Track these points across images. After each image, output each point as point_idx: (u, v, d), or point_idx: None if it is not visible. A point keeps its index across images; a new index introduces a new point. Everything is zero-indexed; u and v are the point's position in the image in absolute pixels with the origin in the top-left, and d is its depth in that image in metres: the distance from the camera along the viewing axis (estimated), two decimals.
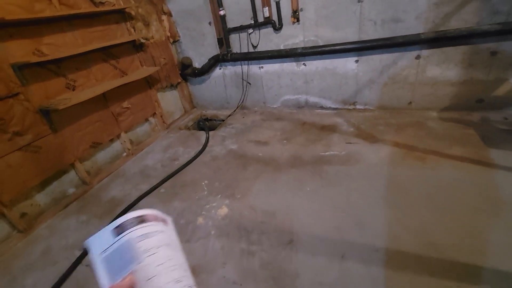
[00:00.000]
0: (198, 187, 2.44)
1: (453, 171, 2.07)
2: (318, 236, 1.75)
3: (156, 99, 3.51)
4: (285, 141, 2.96)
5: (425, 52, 2.72)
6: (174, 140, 3.45)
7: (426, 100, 2.94)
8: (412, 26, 2.63)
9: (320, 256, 1.61)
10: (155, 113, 3.51)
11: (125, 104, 3.04)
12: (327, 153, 2.60)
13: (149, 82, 3.36)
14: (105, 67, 2.80)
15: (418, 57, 2.77)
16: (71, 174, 2.63)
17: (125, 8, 2.90)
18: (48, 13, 2.25)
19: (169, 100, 3.85)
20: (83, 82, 2.59)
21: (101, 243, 0.40)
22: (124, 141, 3.11)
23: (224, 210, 2.12)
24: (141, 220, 0.43)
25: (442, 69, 2.74)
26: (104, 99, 2.79)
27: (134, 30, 3.11)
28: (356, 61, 3.03)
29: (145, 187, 2.57)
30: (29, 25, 2.15)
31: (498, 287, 1.29)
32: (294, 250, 1.68)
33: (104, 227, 0.43)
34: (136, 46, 3.15)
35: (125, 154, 3.17)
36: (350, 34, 2.90)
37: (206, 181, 2.51)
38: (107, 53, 2.80)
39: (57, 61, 2.35)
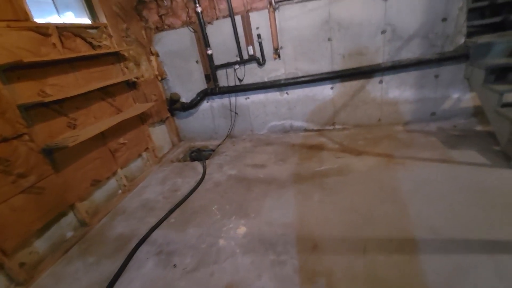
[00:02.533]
0: (209, 212, 2.50)
1: (429, 169, 2.50)
2: (337, 237, 1.94)
3: (149, 134, 3.57)
4: (280, 162, 3.21)
5: (386, 78, 3.32)
6: (169, 172, 3.47)
7: (392, 116, 3.51)
8: (373, 57, 3.24)
9: (345, 254, 1.79)
10: (147, 147, 3.54)
11: (121, 140, 3.06)
12: (321, 168, 2.90)
13: (141, 118, 3.43)
14: (103, 105, 2.86)
15: (381, 81, 3.36)
16: (70, 216, 2.49)
17: (120, 50, 3.07)
18: (53, 56, 2.33)
19: (159, 135, 3.92)
20: (83, 120, 2.60)
21: None
22: (120, 178, 3.05)
23: (242, 229, 2.21)
24: None
25: (401, 90, 3.34)
26: (102, 136, 2.80)
27: (128, 70, 3.26)
28: (332, 88, 3.53)
29: (153, 220, 2.54)
30: (35, 67, 2.19)
31: None
32: (320, 253, 1.84)
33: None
34: (129, 85, 3.27)
35: (120, 191, 3.09)
36: (324, 66, 3.42)
37: (216, 206, 2.58)
38: (105, 92, 2.87)
39: (60, 101, 2.37)
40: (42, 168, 2.18)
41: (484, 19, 3.05)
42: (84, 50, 2.69)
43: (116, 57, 3.10)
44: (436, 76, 3.17)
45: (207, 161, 3.54)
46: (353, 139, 3.42)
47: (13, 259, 1.98)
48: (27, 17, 2.17)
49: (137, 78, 3.41)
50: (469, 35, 2.98)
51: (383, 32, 3.09)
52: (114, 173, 3.00)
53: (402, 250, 1.73)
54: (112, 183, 3.00)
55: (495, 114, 2.55)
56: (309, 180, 2.70)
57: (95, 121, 2.73)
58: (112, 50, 2.97)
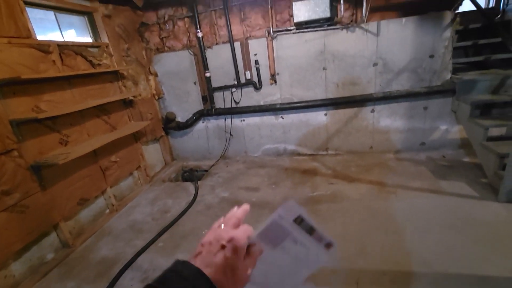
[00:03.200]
0: (200, 236, 2.42)
1: (420, 199, 2.53)
2: (329, 268, 1.90)
3: (141, 152, 3.53)
4: (273, 185, 3.19)
5: (377, 107, 3.44)
6: (160, 192, 3.39)
7: (383, 144, 3.59)
8: (365, 88, 3.37)
9: (337, 287, 1.75)
10: (139, 166, 3.48)
11: (113, 158, 3.01)
12: (315, 193, 2.90)
13: (135, 136, 3.41)
14: (98, 123, 2.84)
15: (372, 111, 3.47)
16: (52, 237, 2.38)
17: (119, 69, 3.11)
18: (51, 73, 2.34)
19: (152, 153, 3.88)
20: (76, 137, 2.57)
21: (290, 215, 0.51)
22: (109, 197, 2.97)
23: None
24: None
25: (391, 120, 3.46)
26: (94, 153, 2.75)
27: (125, 88, 3.28)
28: (325, 114, 3.63)
29: (140, 243, 2.44)
30: (32, 83, 2.19)
31: None
32: (312, 284, 1.79)
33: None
34: (126, 103, 3.28)
35: (108, 210, 2.99)
36: (318, 93, 3.53)
37: (206, 230, 2.51)
38: (100, 109, 2.87)
39: (54, 117, 2.34)
40: (29, 186, 2.11)
41: (468, 57, 3.27)
42: (84, 68, 2.71)
43: (115, 75, 3.13)
44: (425, 108, 3.31)
45: (199, 182, 3.49)
46: (346, 165, 3.46)
47: None
48: (29, 34, 2.20)
49: (134, 96, 3.43)
50: (455, 71, 3.17)
51: (375, 64, 3.25)
52: (103, 192, 2.92)
53: (395, 284, 1.70)
54: (100, 202, 2.91)
55: (481, 147, 2.65)
56: (302, 206, 2.68)
57: (88, 138, 2.70)
58: (111, 69, 3.01)
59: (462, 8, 3.14)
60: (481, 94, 2.94)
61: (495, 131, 2.79)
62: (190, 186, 3.43)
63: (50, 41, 2.39)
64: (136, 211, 3.01)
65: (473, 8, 2.91)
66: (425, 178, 2.89)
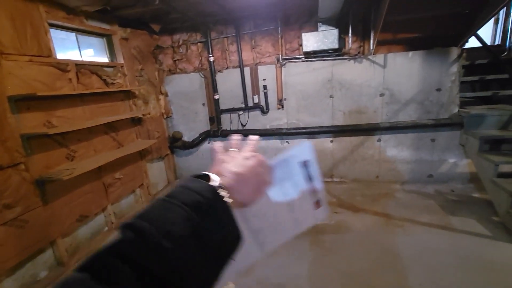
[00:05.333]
0: None
1: (429, 235, 2.43)
2: None
3: (146, 170, 3.53)
4: None
5: (384, 137, 3.42)
6: None
7: (390, 174, 3.53)
8: (372, 117, 3.38)
9: None
10: (142, 184, 3.47)
11: (117, 174, 3.01)
12: (318, 222, 2.81)
13: (141, 154, 3.43)
14: (105, 139, 2.88)
15: (379, 140, 3.45)
16: (47, 254, 2.32)
17: (131, 89, 3.21)
18: (66, 90, 2.42)
19: (155, 171, 3.87)
20: (82, 152, 2.59)
21: (302, 156, 0.53)
22: (109, 214, 2.93)
23: (231, 287, 2.05)
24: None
25: (398, 150, 3.42)
26: (98, 170, 2.76)
27: (136, 107, 3.36)
28: (331, 141, 3.62)
29: None
30: (46, 99, 2.26)
31: None
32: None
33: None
34: (134, 120, 3.34)
35: (106, 228, 2.94)
36: (325, 120, 3.55)
37: None
38: (109, 126, 2.92)
39: (64, 133, 2.39)
40: (31, 200, 2.10)
41: (475, 92, 3.28)
42: (97, 87, 2.80)
43: (127, 94, 3.22)
44: (433, 140, 3.28)
45: None
46: (351, 194, 3.39)
47: None
48: (50, 53, 2.31)
49: (143, 115, 3.50)
50: (463, 104, 3.17)
51: (382, 95, 3.29)
52: (104, 209, 2.89)
53: None
54: (99, 219, 2.87)
55: (492, 184, 2.58)
56: (306, 235, 2.60)
57: (95, 154, 2.72)
58: (124, 88, 3.10)
59: (469, 44, 3.21)
60: (489, 129, 2.92)
61: (506, 168, 2.72)
62: None
63: (68, 60, 2.50)
64: None
65: (480, 44, 2.98)
66: (434, 212, 2.79)
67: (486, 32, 3.94)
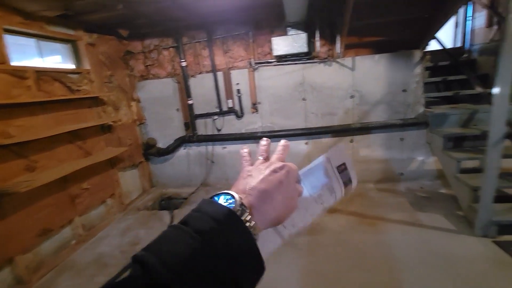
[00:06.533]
0: None
1: (398, 232, 2.49)
2: None
3: (117, 179, 3.41)
4: None
5: (356, 138, 3.50)
6: (134, 222, 3.23)
7: (364, 174, 3.60)
8: (344, 118, 3.46)
9: None
10: (113, 193, 3.35)
11: (85, 185, 2.89)
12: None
13: (111, 162, 3.32)
14: (70, 148, 2.76)
15: (351, 141, 3.53)
16: (5, 272, 2.18)
17: (99, 95, 3.11)
18: (24, 98, 2.31)
19: (128, 180, 3.75)
20: (45, 163, 2.47)
21: (335, 160, 0.49)
22: (77, 226, 2.80)
23: None
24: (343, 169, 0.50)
25: (370, 150, 3.51)
26: (63, 180, 2.63)
27: (105, 114, 3.26)
28: (306, 143, 3.66)
29: (103, 280, 2.26)
30: (2, 108, 2.14)
31: None
32: None
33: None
34: (104, 128, 3.23)
35: (74, 241, 2.80)
36: (298, 122, 3.59)
37: None
38: (74, 134, 2.81)
39: (22, 143, 2.27)
40: None
41: (440, 92, 3.44)
42: (61, 94, 2.69)
43: (94, 101, 3.12)
44: (402, 139, 3.39)
45: (176, 211, 3.37)
46: None
47: None
48: (4, 60, 2.20)
49: (114, 122, 3.40)
50: (429, 104, 3.31)
51: (352, 96, 3.37)
52: (70, 221, 2.76)
53: None
54: (65, 232, 2.73)
55: (455, 180, 2.69)
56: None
57: (58, 164, 2.60)
58: (91, 95, 3.00)
59: (434, 47, 3.36)
60: (452, 127, 3.05)
61: (469, 164, 2.85)
62: (166, 216, 3.29)
63: (26, 66, 2.39)
64: (104, 243, 2.83)
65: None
66: (404, 210, 2.87)
67: (448, 35, 4.16)
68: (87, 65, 3.07)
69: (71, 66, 3.04)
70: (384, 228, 2.59)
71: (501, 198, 2.41)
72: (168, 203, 3.62)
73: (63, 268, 2.47)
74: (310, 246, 2.43)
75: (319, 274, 2.08)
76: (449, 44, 4.08)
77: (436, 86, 3.55)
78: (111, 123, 3.35)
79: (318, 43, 3.20)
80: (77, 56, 3.08)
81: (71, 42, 3.02)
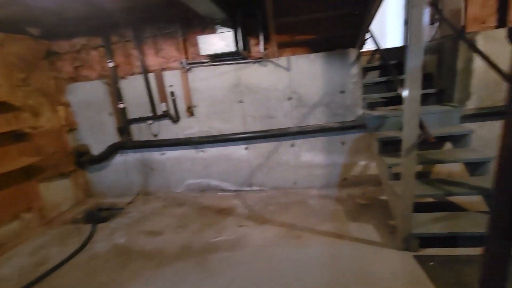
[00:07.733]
0: None
1: (320, 247, 2.30)
2: None
3: (37, 191, 3.12)
4: (179, 228, 2.87)
5: (297, 142, 3.31)
6: (51, 238, 2.96)
7: (307, 180, 3.41)
8: (283, 121, 3.26)
9: None
10: (31, 207, 3.06)
11: None
12: (216, 239, 2.60)
13: (28, 173, 3.03)
14: None
15: (292, 145, 3.33)
16: None
17: (7, 100, 2.81)
18: None
19: (57, 191, 3.47)
20: None
21: None
22: None
23: None
24: None
25: (312, 154, 3.32)
26: None
27: (17, 120, 2.96)
28: (246, 148, 3.44)
29: None
30: None
31: None
32: None
33: None
34: (16, 136, 2.94)
35: None
36: (237, 126, 3.37)
37: None
38: None
39: None
40: None
41: (382, 93, 3.26)
42: None
43: (3, 106, 2.82)
44: (343, 143, 3.21)
45: (103, 224, 3.11)
46: (266, 203, 3.22)
47: None
48: None
49: (33, 128, 3.11)
50: (375, 106, 3.13)
51: (290, 98, 3.17)
52: None
53: None
54: None
55: (387, 187, 2.52)
56: (194, 255, 2.37)
57: None
58: None
59: (388, 45, 3.18)
60: (390, 130, 2.88)
61: (400, 169, 2.67)
62: (88, 230, 3.02)
63: None
64: (7, 264, 2.56)
65: (394, 45, 2.95)
66: (337, 219, 2.69)
67: (398, 34, 4.01)
68: None
69: None
70: (309, 241, 2.39)
71: (436, 206, 2.25)
72: (93, 215, 3.35)
73: None
74: (220, 265, 2.21)
75: None
76: (399, 43, 3.93)
77: (388, 86, 3.37)
78: (28, 131, 3.06)
79: (248, 42, 2.98)
80: None
81: None
